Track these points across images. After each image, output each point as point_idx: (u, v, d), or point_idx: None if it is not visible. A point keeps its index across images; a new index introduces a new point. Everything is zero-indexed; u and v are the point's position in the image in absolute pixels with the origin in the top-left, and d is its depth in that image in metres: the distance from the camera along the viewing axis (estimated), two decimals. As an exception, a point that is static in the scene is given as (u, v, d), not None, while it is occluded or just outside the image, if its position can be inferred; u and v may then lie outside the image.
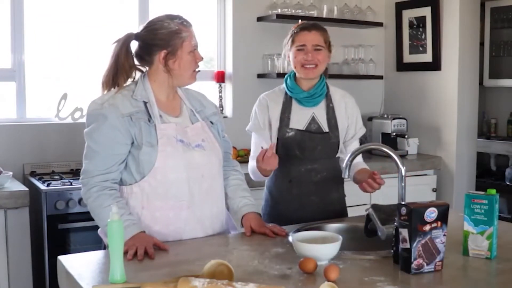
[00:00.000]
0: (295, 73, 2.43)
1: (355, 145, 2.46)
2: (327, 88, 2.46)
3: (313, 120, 2.42)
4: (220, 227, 2.13)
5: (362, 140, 4.32)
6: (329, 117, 2.43)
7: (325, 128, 2.42)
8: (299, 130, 2.41)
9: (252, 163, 2.37)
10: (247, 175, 2.38)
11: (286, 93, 2.45)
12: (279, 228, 2.07)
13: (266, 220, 2.38)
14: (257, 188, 2.67)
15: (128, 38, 2.05)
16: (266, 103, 2.47)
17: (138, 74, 2.10)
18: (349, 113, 2.47)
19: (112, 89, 2.04)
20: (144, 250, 1.80)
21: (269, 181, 2.50)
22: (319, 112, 2.43)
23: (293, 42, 2.39)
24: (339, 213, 2.48)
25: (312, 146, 2.39)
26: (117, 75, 2.03)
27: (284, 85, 2.47)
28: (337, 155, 2.46)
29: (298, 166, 2.41)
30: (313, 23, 2.42)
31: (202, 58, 2.09)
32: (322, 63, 2.38)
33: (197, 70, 2.08)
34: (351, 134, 2.47)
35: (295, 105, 2.43)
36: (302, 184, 2.42)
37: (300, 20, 2.50)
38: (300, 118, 2.42)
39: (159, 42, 2.00)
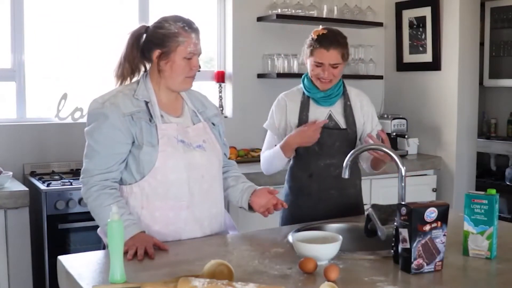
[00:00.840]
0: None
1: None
2: (344, 87, 2.53)
3: (330, 117, 2.49)
4: (218, 228, 2.14)
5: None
6: (347, 114, 2.50)
7: (342, 125, 2.49)
8: None
9: (266, 151, 2.52)
10: (244, 175, 2.39)
11: (303, 93, 2.52)
12: (280, 201, 2.14)
13: (286, 215, 2.53)
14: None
15: (140, 29, 2.06)
16: (284, 103, 2.54)
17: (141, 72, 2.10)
18: (364, 111, 2.54)
19: (117, 85, 2.05)
20: (144, 250, 1.80)
21: (289, 176, 2.58)
22: (336, 110, 2.51)
23: (311, 54, 2.42)
24: (356, 207, 2.53)
25: (331, 142, 2.46)
26: (120, 66, 2.04)
27: (301, 85, 2.53)
28: None
29: (317, 161, 2.48)
30: (333, 38, 2.40)
31: (199, 67, 2.05)
32: (338, 76, 2.45)
33: (191, 76, 2.04)
34: (368, 130, 2.51)
35: (312, 104, 2.51)
36: (322, 179, 2.48)
37: (321, 27, 2.48)
38: (318, 116, 2.48)
39: (156, 41, 2.01)
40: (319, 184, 2.48)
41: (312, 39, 2.42)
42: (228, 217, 2.24)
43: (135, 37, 2.05)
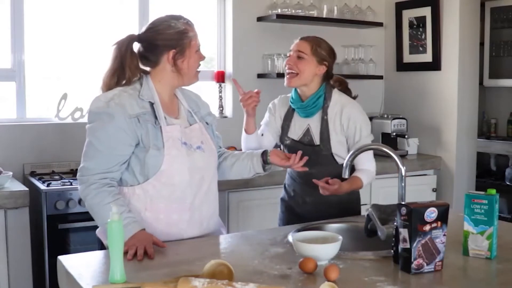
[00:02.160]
0: None
1: (363, 153, 2.43)
2: (327, 100, 2.46)
3: (307, 131, 2.50)
4: (214, 227, 2.15)
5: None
6: (322, 130, 2.46)
7: (317, 141, 2.46)
8: (293, 140, 2.51)
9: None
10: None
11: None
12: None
13: (283, 216, 2.60)
14: (256, 188, 2.71)
15: (131, 39, 2.05)
16: (281, 104, 2.60)
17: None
18: (345, 125, 2.44)
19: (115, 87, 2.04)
20: (144, 249, 1.80)
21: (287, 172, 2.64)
22: (314, 124, 2.49)
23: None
24: (352, 208, 2.52)
25: (305, 155, 2.37)
26: (121, 76, 2.02)
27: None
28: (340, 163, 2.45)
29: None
30: (310, 35, 2.50)
31: (205, 57, 2.11)
32: (304, 72, 2.41)
33: (198, 69, 2.10)
34: (352, 144, 2.44)
35: (296, 115, 2.53)
36: (303, 184, 2.50)
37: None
38: (297, 129, 2.52)
39: (167, 42, 2.00)
40: (301, 186, 2.52)
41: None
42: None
43: (131, 47, 2.04)
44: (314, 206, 2.48)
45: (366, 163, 2.43)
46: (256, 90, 2.44)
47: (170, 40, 2.00)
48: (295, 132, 2.51)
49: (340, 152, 2.46)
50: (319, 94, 2.45)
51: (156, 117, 1.99)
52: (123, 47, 2.03)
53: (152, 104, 2.01)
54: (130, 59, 2.03)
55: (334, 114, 2.45)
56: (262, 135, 2.56)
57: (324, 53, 2.45)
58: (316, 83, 2.46)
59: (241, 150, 2.51)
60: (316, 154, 2.44)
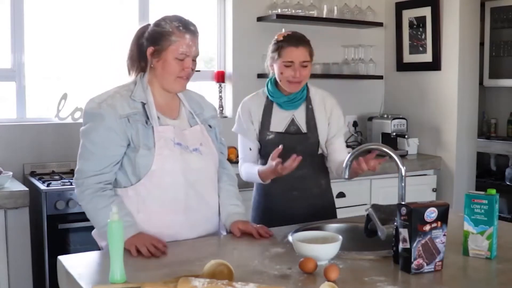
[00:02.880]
0: (275, 78, 2.48)
1: (340, 142, 2.53)
2: (308, 90, 2.52)
3: (292, 122, 2.49)
4: (212, 229, 2.13)
5: (363, 140, 4.35)
6: (308, 118, 2.49)
7: (304, 129, 2.48)
8: (278, 132, 2.49)
9: (246, 168, 2.49)
10: (238, 175, 2.41)
11: (267, 97, 2.52)
12: (265, 230, 2.07)
13: (254, 215, 2.55)
14: (248, 188, 2.71)
15: (144, 27, 2.08)
16: (248, 108, 2.54)
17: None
18: (329, 113, 2.51)
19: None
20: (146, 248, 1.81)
21: None
22: (299, 114, 2.50)
23: (279, 56, 2.42)
24: (323, 207, 2.54)
25: (291, 147, 2.41)
26: (136, 64, 2.07)
27: (265, 88, 2.53)
28: (319, 153, 2.51)
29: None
30: (299, 37, 2.45)
31: (192, 69, 2.02)
32: (307, 77, 2.45)
33: (182, 77, 2.02)
34: (333, 132, 2.51)
35: (275, 109, 2.51)
36: (284, 180, 2.43)
37: (283, 29, 2.54)
38: (280, 121, 2.50)
39: (151, 38, 2.01)
40: (281, 185, 2.47)
41: (278, 41, 2.44)
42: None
43: (139, 34, 2.07)
44: (302, 200, 2.49)
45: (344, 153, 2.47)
46: (293, 158, 2.23)
47: (152, 37, 2.01)
48: (279, 124, 2.49)
49: (323, 140, 2.49)
50: (304, 87, 2.49)
51: (148, 117, 1.99)
52: (137, 34, 2.07)
53: (144, 105, 2.01)
54: (134, 44, 2.07)
55: (318, 103, 2.51)
56: (250, 149, 2.52)
57: (313, 52, 2.47)
58: None
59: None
60: (302, 144, 2.46)
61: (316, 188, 2.53)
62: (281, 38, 2.44)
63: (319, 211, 2.49)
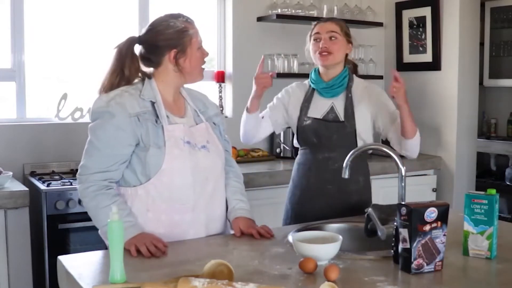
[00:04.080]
0: (319, 68, 2.54)
1: (396, 128, 2.51)
2: (350, 80, 2.53)
3: (331, 110, 2.50)
4: (221, 228, 2.14)
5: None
6: (347, 106, 2.49)
7: (342, 117, 2.49)
8: (316, 118, 2.50)
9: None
10: (244, 175, 2.39)
11: (310, 85, 2.57)
12: (266, 229, 2.06)
13: (288, 209, 2.56)
14: (253, 188, 2.70)
15: (132, 42, 2.04)
16: (290, 91, 2.60)
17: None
18: (374, 100, 2.52)
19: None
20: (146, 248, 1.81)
21: (293, 170, 2.61)
22: (339, 103, 2.51)
23: (311, 36, 2.51)
24: (357, 206, 2.47)
25: (328, 135, 2.46)
26: (121, 78, 2.02)
27: (309, 79, 2.59)
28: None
29: (316, 154, 2.50)
30: (332, 18, 2.56)
31: (208, 53, 2.10)
32: (338, 51, 2.46)
33: (203, 66, 2.09)
34: (388, 117, 2.50)
35: (316, 96, 2.54)
36: (320, 172, 2.47)
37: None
38: (319, 108, 2.52)
39: (168, 42, 2.00)
40: (316, 177, 2.48)
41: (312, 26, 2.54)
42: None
43: (131, 50, 2.03)
44: (337, 196, 2.47)
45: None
46: (270, 74, 2.46)
47: (170, 39, 2.00)
48: (317, 111, 2.50)
49: (363, 130, 2.48)
50: (344, 74, 2.51)
51: (157, 116, 1.99)
52: (124, 50, 2.02)
53: (153, 104, 2.01)
54: (130, 61, 2.03)
55: (360, 93, 2.51)
56: (263, 117, 2.57)
57: (349, 31, 2.52)
58: (342, 63, 2.52)
59: (241, 150, 2.51)
60: (340, 132, 2.46)
61: (353, 185, 2.49)
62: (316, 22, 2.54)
63: (354, 208, 2.44)
